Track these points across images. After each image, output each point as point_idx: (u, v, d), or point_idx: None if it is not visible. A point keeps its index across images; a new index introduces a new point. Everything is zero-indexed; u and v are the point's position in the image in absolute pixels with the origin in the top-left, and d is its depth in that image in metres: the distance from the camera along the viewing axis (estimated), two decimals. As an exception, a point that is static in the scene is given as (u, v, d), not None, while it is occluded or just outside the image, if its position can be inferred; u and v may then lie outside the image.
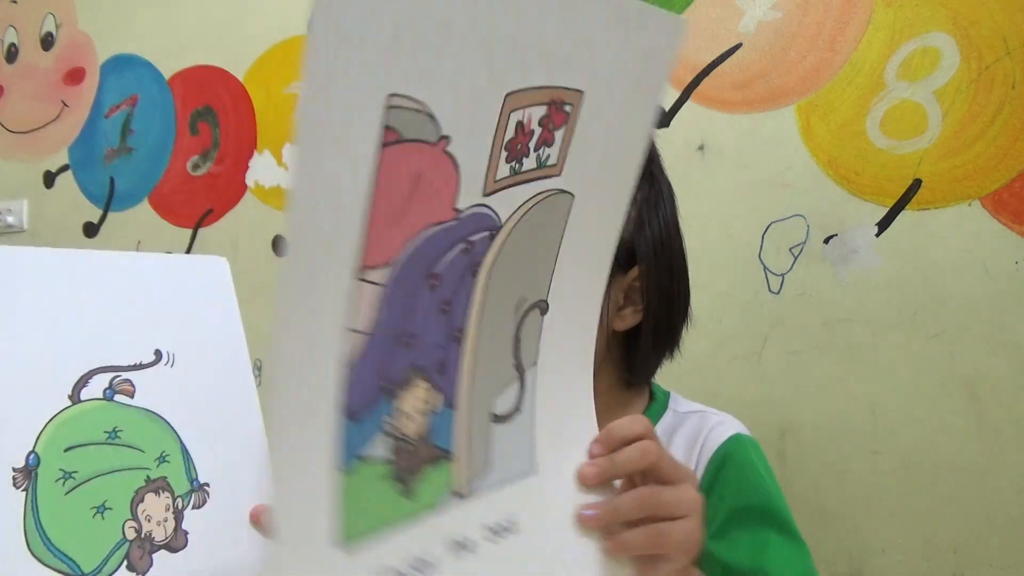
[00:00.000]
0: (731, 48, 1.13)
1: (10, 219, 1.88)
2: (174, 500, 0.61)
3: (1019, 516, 0.95)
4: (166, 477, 0.61)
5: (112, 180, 1.77)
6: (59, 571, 0.54)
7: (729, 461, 0.64)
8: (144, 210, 1.72)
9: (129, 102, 1.75)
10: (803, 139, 1.08)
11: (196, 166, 1.66)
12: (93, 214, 1.79)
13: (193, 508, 0.62)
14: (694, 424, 0.68)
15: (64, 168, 1.84)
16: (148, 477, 0.60)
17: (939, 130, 1.00)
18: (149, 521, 0.59)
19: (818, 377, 1.06)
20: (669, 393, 0.74)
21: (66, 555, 0.54)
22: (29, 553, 0.53)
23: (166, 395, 0.62)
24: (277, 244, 1.55)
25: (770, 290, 1.09)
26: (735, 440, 0.66)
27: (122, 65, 1.77)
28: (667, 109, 1.17)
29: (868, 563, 1.03)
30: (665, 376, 0.75)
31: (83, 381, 0.58)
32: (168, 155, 1.69)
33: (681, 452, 0.67)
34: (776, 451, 1.08)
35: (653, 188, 0.68)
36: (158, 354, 0.62)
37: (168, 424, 0.62)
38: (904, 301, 1.01)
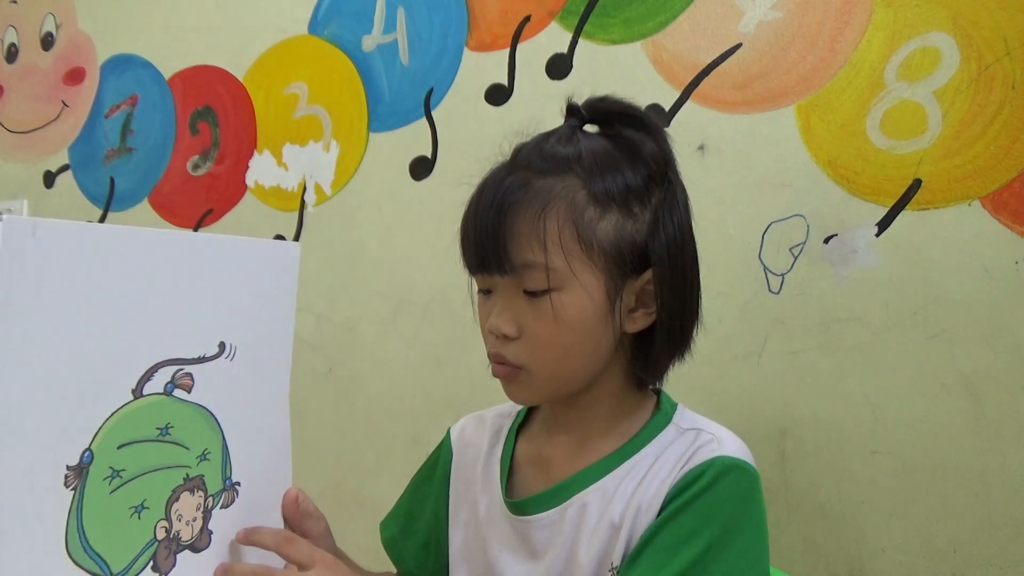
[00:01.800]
0: (731, 48, 1.13)
1: (10, 219, 1.88)
2: (206, 499, 0.59)
3: (1019, 516, 0.95)
4: (203, 476, 0.58)
5: (112, 180, 1.77)
6: (90, 571, 0.52)
7: (700, 479, 0.64)
8: (144, 210, 1.73)
9: (129, 102, 1.75)
10: (803, 139, 1.08)
11: (196, 166, 1.66)
12: (93, 214, 1.79)
13: (222, 507, 0.60)
14: (689, 440, 0.68)
15: (64, 168, 1.84)
16: (187, 475, 0.57)
17: (939, 130, 1.00)
18: (180, 520, 0.57)
19: (818, 377, 1.06)
20: (677, 405, 0.73)
21: (99, 555, 0.52)
22: (66, 554, 0.51)
23: (220, 390, 0.59)
24: (277, 244, 1.55)
25: (770, 290, 1.09)
26: (714, 462, 0.65)
27: (122, 65, 1.77)
28: (667, 109, 1.17)
29: (868, 563, 1.03)
30: (665, 377, 0.75)
31: (148, 375, 0.54)
32: (168, 155, 1.69)
33: (668, 465, 0.67)
34: (776, 451, 1.08)
35: (668, 192, 0.69)
36: (222, 347, 0.59)
37: (216, 421, 0.59)
38: (904, 301, 1.01)
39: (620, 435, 0.71)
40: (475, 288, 0.72)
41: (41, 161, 1.87)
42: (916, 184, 1.01)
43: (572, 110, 0.70)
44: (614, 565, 0.65)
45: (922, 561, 1.00)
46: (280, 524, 0.64)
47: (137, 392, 0.54)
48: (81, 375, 0.50)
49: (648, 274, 0.67)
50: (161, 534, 0.56)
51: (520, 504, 0.72)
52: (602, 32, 1.23)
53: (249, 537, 0.61)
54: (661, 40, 1.18)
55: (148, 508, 0.55)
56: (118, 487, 0.53)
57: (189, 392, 0.57)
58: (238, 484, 0.61)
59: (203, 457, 0.58)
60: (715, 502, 0.63)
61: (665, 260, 0.66)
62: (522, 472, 0.75)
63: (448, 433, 0.84)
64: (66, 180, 1.83)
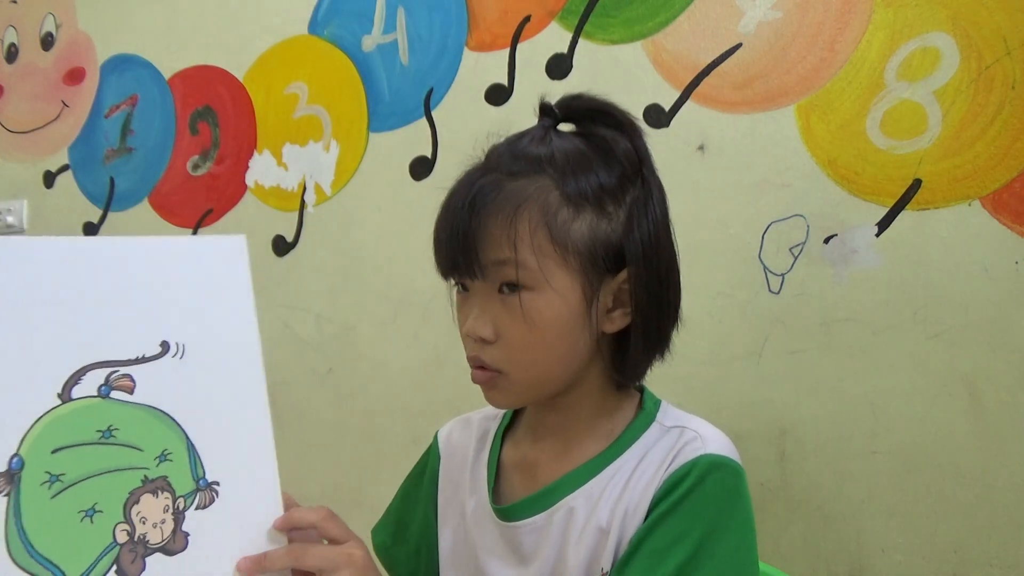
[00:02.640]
0: (731, 48, 1.13)
1: (10, 219, 1.88)
2: (175, 500, 0.57)
3: (1019, 516, 0.95)
4: (167, 477, 0.57)
5: (112, 180, 1.77)
6: None
7: (686, 480, 0.64)
8: (144, 210, 1.72)
9: (129, 102, 1.75)
10: (803, 139, 1.08)
11: (196, 166, 1.66)
12: (93, 214, 1.79)
13: (197, 508, 0.59)
14: (672, 439, 0.68)
15: (64, 168, 1.84)
16: (146, 477, 0.56)
17: (939, 130, 1.00)
18: (144, 523, 0.56)
19: (818, 377, 1.06)
20: (660, 403, 0.73)
21: (50, 561, 0.52)
22: (10, 561, 0.50)
23: (172, 390, 0.58)
24: (277, 244, 1.55)
25: (770, 290, 1.09)
26: (698, 461, 0.64)
27: (122, 65, 1.77)
28: (667, 109, 1.17)
29: (868, 563, 1.03)
30: (666, 377, 0.75)
31: (75, 379, 0.54)
32: (168, 155, 1.69)
33: (653, 465, 0.67)
34: (776, 451, 1.08)
35: (643, 189, 0.67)
36: (165, 346, 0.58)
37: (173, 420, 0.58)
38: (904, 301, 1.01)
39: (604, 436, 0.70)
40: (452, 297, 0.72)
41: (41, 161, 1.87)
42: (916, 184, 1.01)
43: (545, 109, 0.69)
44: (604, 570, 0.65)
45: (922, 561, 1.00)
46: (270, 523, 0.62)
47: (64, 396, 0.53)
48: (1, 384, 0.51)
49: (624, 274, 0.66)
50: (122, 537, 0.55)
51: (507, 510, 0.72)
52: (602, 32, 1.23)
53: (291, 520, 0.62)
54: (661, 40, 1.18)
55: (101, 512, 0.54)
56: (60, 491, 0.53)
57: (131, 393, 0.56)
58: (216, 484, 0.60)
59: (162, 458, 0.57)
60: (701, 502, 0.63)
61: (640, 259, 0.65)
62: (509, 476, 0.75)
63: (436, 437, 0.84)
64: (66, 180, 1.83)
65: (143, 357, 0.57)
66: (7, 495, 0.51)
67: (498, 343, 0.65)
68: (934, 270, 1.00)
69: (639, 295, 0.66)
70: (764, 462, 1.08)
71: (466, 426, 0.82)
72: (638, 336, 0.67)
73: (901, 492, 1.01)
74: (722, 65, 1.13)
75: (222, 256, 0.62)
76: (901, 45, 1.02)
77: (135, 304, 0.57)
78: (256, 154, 1.58)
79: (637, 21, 1.20)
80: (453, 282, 0.70)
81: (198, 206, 1.66)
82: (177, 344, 0.58)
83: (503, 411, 0.80)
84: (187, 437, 0.59)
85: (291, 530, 0.63)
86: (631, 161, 0.67)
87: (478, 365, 0.67)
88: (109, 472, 0.55)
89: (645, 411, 0.71)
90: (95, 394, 0.55)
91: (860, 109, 1.04)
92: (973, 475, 0.97)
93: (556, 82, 1.26)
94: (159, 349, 0.58)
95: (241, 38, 1.60)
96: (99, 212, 1.79)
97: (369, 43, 1.46)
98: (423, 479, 0.82)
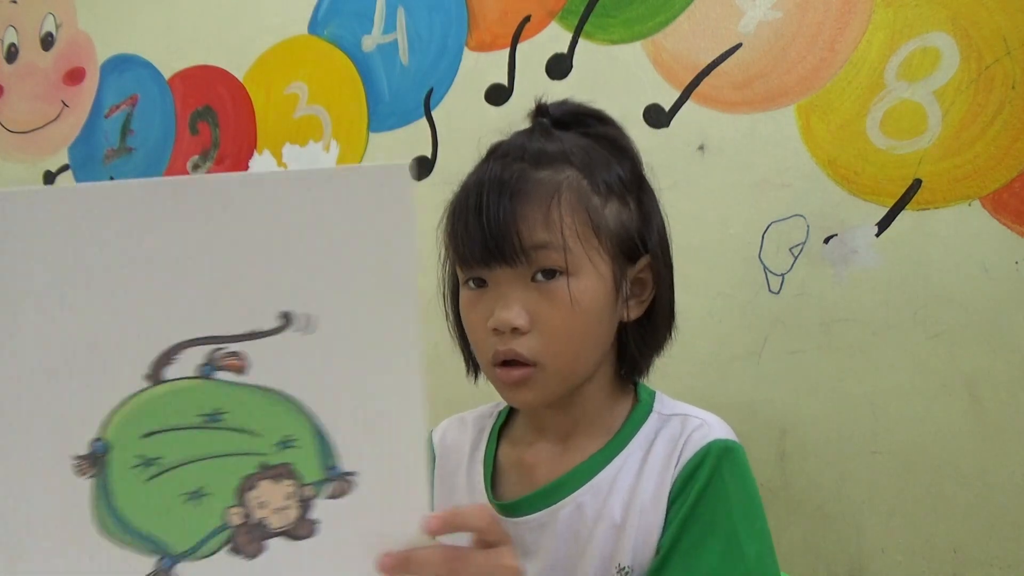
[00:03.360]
0: (731, 48, 1.13)
1: (10, 219, 1.88)
2: (300, 488, 0.50)
3: (1019, 516, 0.95)
4: (290, 464, 0.50)
5: (112, 180, 1.77)
6: (140, 550, 0.48)
7: (701, 469, 0.64)
8: (144, 210, 1.72)
9: (129, 102, 1.75)
10: (803, 139, 1.08)
11: (196, 166, 1.66)
12: (93, 214, 1.79)
13: (330, 497, 0.51)
14: (676, 427, 0.68)
15: (64, 168, 1.84)
16: (264, 464, 0.49)
17: (939, 130, 1.00)
18: (263, 508, 0.50)
19: (818, 377, 1.06)
20: (654, 393, 0.73)
21: (149, 536, 0.48)
22: (104, 533, 0.48)
23: (299, 370, 0.49)
24: (277, 244, 1.55)
25: (770, 290, 1.09)
26: (710, 448, 0.65)
27: (122, 65, 1.77)
28: (667, 109, 1.17)
29: (868, 563, 1.03)
30: (666, 377, 0.75)
31: (166, 359, 0.47)
32: (168, 155, 1.69)
33: (661, 456, 0.67)
34: (776, 451, 1.08)
35: (647, 187, 0.71)
36: (286, 318, 0.48)
37: (298, 404, 0.50)
38: (904, 301, 1.01)
39: (604, 431, 0.71)
40: (448, 303, 0.72)
41: (41, 161, 1.87)
42: (916, 184, 1.01)
43: (542, 110, 0.71)
44: (622, 566, 0.65)
45: (922, 561, 1.00)
46: (416, 519, 0.53)
47: (154, 378, 0.47)
48: (72, 362, 0.46)
49: (642, 262, 0.68)
50: (236, 520, 0.50)
51: (509, 506, 0.71)
52: (602, 32, 1.23)
53: (454, 522, 0.53)
54: (661, 40, 1.18)
55: (210, 494, 0.49)
56: (156, 475, 0.48)
57: (241, 373, 0.48)
58: (352, 475, 0.51)
59: (285, 444, 0.49)
60: (724, 489, 0.64)
61: (658, 248, 0.69)
62: (506, 475, 0.75)
63: (429, 437, 0.84)
64: (66, 180, 1.83)
65: (256, 332, 0.48)
66: (93, 476, 0.47)
67: (533, 332, 0.64)
68: (934, 270, 1.00)
69: (659, 282, 0.68)
70: (764, 462, 1.08)
71: (461, 426, 0.82)
72: (655, 322, 0.69)
73: (901, 492, 1.01)
74: (722, 65, 1.13)
75: (378, 193, 0.48)
76: (901, 45, 1.02)
77: (246, 265, 0.47)
78: (256, 154, 1.58)
79: (637, 21, 1.20)
80: (471, 272, 0.68)
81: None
82: (304, 316, 0.48)
83: (499, 409, 0.80)
84: (315, 423, 0.50)
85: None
86: (636, 158, 0.71)
87: (508, 361, 0.65)
88: (216, 457, 0.49)
89: (642, 402, 0.72)
90: (194, 375, 0.48)
91: (860, 109, 1.04)
92: (973, 475, 0.97)
93: (556, 82, 1.26)
94: (277, 322, 0.48)
95: (241, 38, 1.60)
96: (99, 212, 1.79)
97: (369, 43, 1.46)
98: None
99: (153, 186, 0.46)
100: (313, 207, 0.47)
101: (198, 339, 0.47)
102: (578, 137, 0.69)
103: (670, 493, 0.65)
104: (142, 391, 0.47)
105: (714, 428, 0.67)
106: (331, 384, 0.49)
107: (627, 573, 0.65)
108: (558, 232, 0.63)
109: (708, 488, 0.63)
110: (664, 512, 0.65)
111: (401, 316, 0.49)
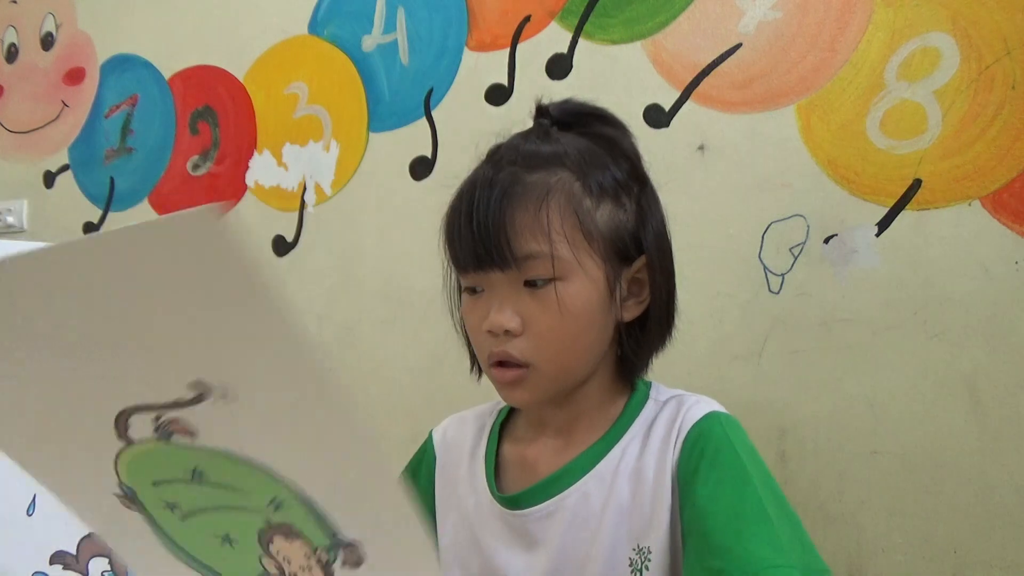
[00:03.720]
0: (731, 48, 1.13)
1: (10, 219, 1.88)
2: (316, 552, 0.45)
3: (1019, 516, 0.95)
4: (290, 524, 0.44)
5: (112, 180, 1.77)
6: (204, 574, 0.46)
7: (703, 438, 0.66)
8: (144, 210, 1.72)
9: (129, 102, 1.75)
10: (803, 139, 1.08)
11: (196, 166, 1.66)
12: (93, 214, 1.79)
13: (346, 566, 0.46)
14: (672, 409, 0.70)
15: (64, 168, 1.84)
16: (268, 520, 0.44)
17: (939, 130, 1.00)
18: (289, 563, 0.45)
19: (818, 377, 1.06)
20: (651, 383, 0.74)
21: (210, 568, 0.46)
22: (172, 556, 0.46)
23: (247, 435, 0.42)
24: (277, 244, 1.55)
25: (770, 290, 1.09)
26: (708, 418, 0.67)
27: (122, 65, 1.77)
28: (667, 109, 1.17)
29: (868, 563, 1.03)
30: (666, 377, 0.75)
31: (123, 423, 0.41)
32: (168, 155, 1.69)
33: (661, 436, 0.68)
34: (776, 451, 1.08)
35: (647, 186, 0.71)
36: (201, 387, 0.40)
37: (267, 468, 0.43)
38: (904, 301, 1.01)
39: (603, 422, 0.71)
40: (451, 299, 0.72)
41: (41, 161, 1.87)
42: (916, 184, 1.01)
43: (542, 111, 0.71)
44: (640, 546, 0.65)
45: (922, 561, 1.00)
46: None
47: (125, 439, 0.42)
48: (63, 416, 0.42)
49: (639, 263, 0.68)
50: (273, 570, 0.46)
51: (513, 499, 0.72)
52: (602, 32, 1.23)
53: None
54: (661, 40, 1.18)
55: (238, 540, 0.45)
56: (187, 516, 0.44)
57: (194, 437, 0.41)
58: (357, 543, 0.45)
59: (275, 505, 0.44)
60: (736, 450, 0.65)
61: (654, 248, 0.69)
62: (508, 471, 0.75)
63: (430, 436, 0.84)
64: (66, 180, 1.83)
65: (180, 401, 0.41)
66: (139, 511, 0.45)
67: (525, 335, 0.65)
68: (934, 270, 1.00)
69: (656, 282, 0.68)
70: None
71: (461, 424, 0.82)
72: (654, 322, 0.69)
73: (901, 492, 1.01)
74: (722, 65, 1.13)
75: (195, 242, 0.39)
76: (901, 45, 1.02)
77: (126, 334, 0.40)
78: (256, 154, 1.58)
79: (637, 21, 1.20)
80: (466, 279, 0.69)
81: (198, 206, 1.66)
82: (217, 385, 0.40)
83: (499, 407, 0.80)
84: (295, 489, 0.43)
85: None
86: (636, 158, 0.70)
87: (502, 361, 0.66)
88: (222, 509, 0.44)
89: (638, 392, 0.73)
90: (154, 437, 0.42)
91: (860, 109, 1.04)
92: (973, 475, 0.97)
93: (556, 82, 1.26)
94: (193, 392, 0.40)
95: (241, 38, 1.60)
96: (99, 212, 1.79)
97: (369, 43, 1.46)
98: (418, 478, 0.82)
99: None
100: (144, 268, 0.38)
101: (138, 407, 0.41)
102: (576, 138, 0.69)
103: (676, 466, 0.66)
104: (123, 449, 0.42)
105: (711, 403, 0.70)
106: (286, 451, 0.43)
107: (645, 553, 0.65)
108: (546, 238, 0.63)
109: (722, 452, 0.65)
110: (670, 487, 0.66)
111: (304, 367, 0.41)
